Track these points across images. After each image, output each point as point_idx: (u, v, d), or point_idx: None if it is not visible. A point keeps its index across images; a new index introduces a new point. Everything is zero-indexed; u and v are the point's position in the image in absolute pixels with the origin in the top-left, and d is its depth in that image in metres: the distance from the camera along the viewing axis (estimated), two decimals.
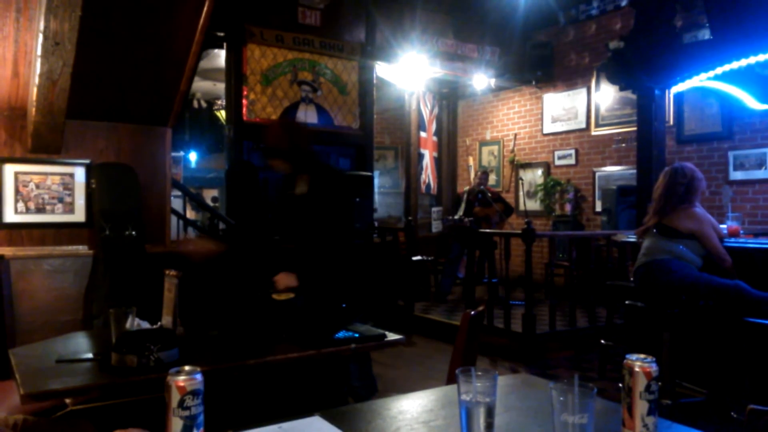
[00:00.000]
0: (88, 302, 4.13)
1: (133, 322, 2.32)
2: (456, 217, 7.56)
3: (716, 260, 3.70)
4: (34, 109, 3.63)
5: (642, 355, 1.22)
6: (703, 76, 4.93)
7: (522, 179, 8.87)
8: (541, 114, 8.86)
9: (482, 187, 7.65)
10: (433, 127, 9.63)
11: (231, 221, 6.27)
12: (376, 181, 9.02)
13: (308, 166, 2.95)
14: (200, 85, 9.96)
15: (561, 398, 1.15)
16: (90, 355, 2.13)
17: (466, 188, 7.99)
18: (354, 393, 3.45)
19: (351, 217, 3.02)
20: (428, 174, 9.51)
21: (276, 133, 2.96)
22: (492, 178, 9.43)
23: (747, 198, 6.46)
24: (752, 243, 3.90)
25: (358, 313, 2.90)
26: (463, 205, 7.68)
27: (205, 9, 3.89)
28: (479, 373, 1.19)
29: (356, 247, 3.05)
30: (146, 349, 1.97)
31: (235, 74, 6.57)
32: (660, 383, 1.23)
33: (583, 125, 8.27)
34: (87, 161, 4.21)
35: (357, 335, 2.39)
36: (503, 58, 8.56)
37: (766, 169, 6.32)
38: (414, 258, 7.24)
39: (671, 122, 6.89)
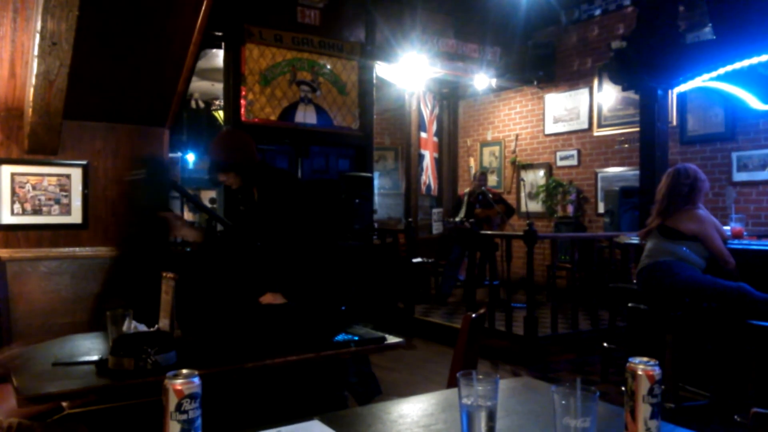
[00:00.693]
0: (100, 304, 4.08)
1: (130, 325, 2.30)
2: (457, 219, 7.55)
3: (720, 262, 3.68)
4: (30, 110, 3.61)
5: (645, 358, 1.22)
6: (706, 76, 4.91)
7: (523, 180, 8.85)
8: (543, 114, 8.85)
9: (483, 188, 7.65)
10: (434, 127, 9.62)
11: (229, 223, 6.25)
12: (376, 183, 9.01)
13: (256, 177, 2.85)
14: (198, 85, 9.93)
15: (563, 402, 1.14)
16: (87, 358, 2.11)
17: (467, 190, 7.98)
18: (353, 391, 3.42)
19: (317, 221, 2.91)
20: (429, 175, 9.49)
21: (219, 147, 2.85)
22: (493, 179, 9.43)
23: (750, 199, 6.44)
24: (756, 244, 3.87)
25: (354, 315, 2.87)
26: (463, 207, 7.67)
27: (204, 8, 3.87)
28: (480, 377, 1.19)
29: (336, 249, 2.99)
30: (143, 352, 1.95)
31: (233, 74, 6.55)
32: (663, 386, 1.22)
33: (586, 126, 8.25)
34: (84, 162, 4.19)
35: (356, 338, 2.37)
36: (504, 58, 8.55)
37: None
38: (414, 260, 7.22)
39: (674, 123, 6.88)
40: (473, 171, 9.43)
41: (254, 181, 2.86)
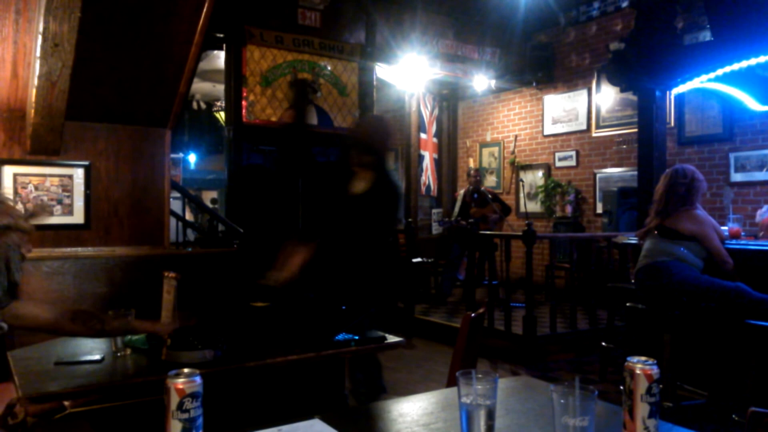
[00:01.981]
0: (103, 304, 4.08)
1: None
2: (452, 219, 7.57)
3: (718, 262, 3.69)
4: (33, 111, 3.63)
5: (643, 358, 1.22)
6: (704, 77, 4.92)
7: (522, 181, 8.86)
8: (542, 115, 8.86)
9: (482, 188, 7.67)
10: (433, 128, 9.62)
11: (231, 223, 6.25)
12: None
13: (380, 166, 2.96)
14: (200, 87, 9.95)
15: (562, 401, 1.15)
16: (89, 357, 2.13)
17: (461, 190, 8.00)
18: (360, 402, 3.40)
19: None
20: (428, 175, 9.50)
21: (375, 129, 2.95)
22: (492, 180, 9.44)
23: (748, 199, 6.45)
24: (753, 245, 3.89)
25: (366, 313, 2.89)
26: (458, 206, 7.68)
27: (205, 10, 3.88)
28: (480, 376, 1.19)
29: (394, 246, 3.14)
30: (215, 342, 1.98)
31: (234, 75, 6.56)
32: (661, 386, 1.22)
33: (584, 127, 8.27)
34: (86, 163, 4.21)
35: (357, 337, 2.38)
36: (503, 59, 8.56)
37: (766, 170, 6.32)
38: (414, 260, 7.23)
39: (672, 124, 6.89)
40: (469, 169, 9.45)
41: (379, 170, 2.94)
